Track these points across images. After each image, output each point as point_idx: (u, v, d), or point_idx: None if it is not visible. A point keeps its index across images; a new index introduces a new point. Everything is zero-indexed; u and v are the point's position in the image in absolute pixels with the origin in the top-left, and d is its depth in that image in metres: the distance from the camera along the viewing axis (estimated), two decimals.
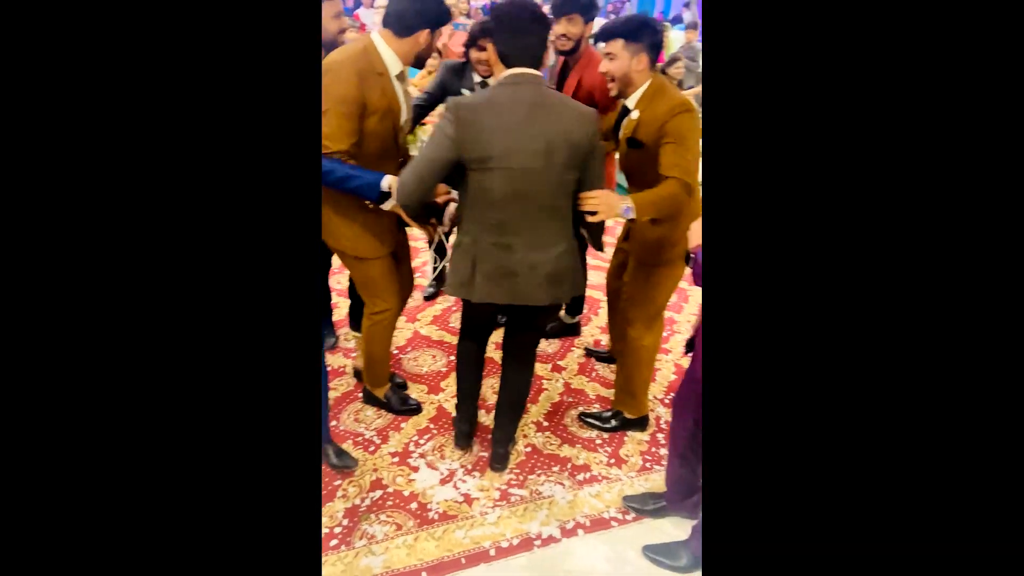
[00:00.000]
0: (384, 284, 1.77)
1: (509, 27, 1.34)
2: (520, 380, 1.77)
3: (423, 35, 1.58)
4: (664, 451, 1.93)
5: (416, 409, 2.04)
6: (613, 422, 1.99)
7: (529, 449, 1.92)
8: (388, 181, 1.53)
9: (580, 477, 1.82)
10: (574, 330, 2.57)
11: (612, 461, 1.89)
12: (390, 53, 1.57)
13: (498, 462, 1.80)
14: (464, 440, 1.87)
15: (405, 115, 1.68)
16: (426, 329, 2.56)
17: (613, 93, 1.64)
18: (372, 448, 1.89)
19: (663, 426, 2.05)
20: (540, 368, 2.33)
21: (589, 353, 2.44)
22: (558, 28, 1.94)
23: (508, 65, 1.37)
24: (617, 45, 1.55)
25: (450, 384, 2.21)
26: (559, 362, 2.39)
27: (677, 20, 8.25)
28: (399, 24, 1.55)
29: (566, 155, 1.34)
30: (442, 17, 1.62)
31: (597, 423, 2.00)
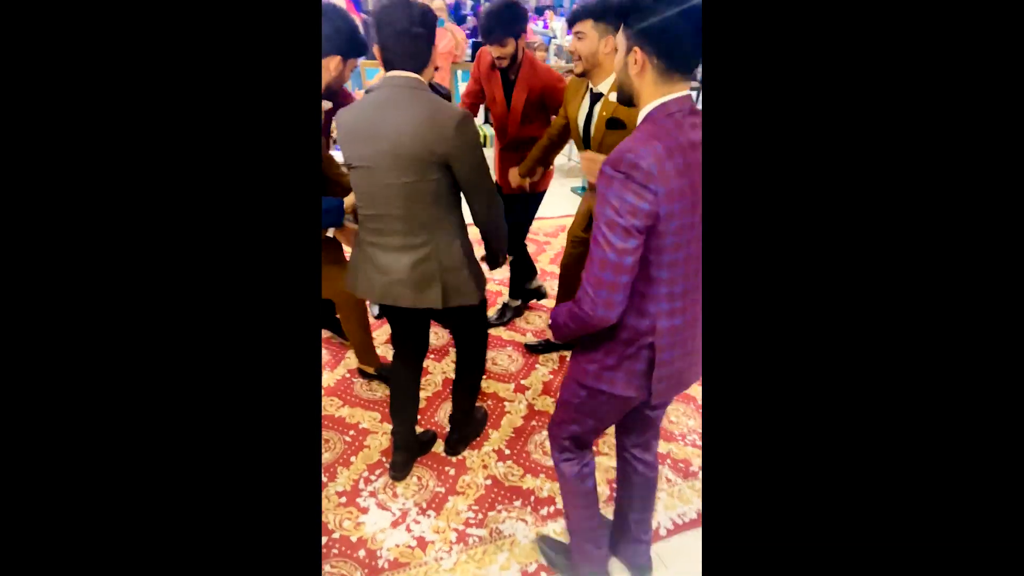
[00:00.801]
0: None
1: (390, 29, 1.25)
2: (463, 370, 1.77)
3: (332, 62, 1.52)
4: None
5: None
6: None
7: (489, 482, 1.79)
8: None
9: (544, 511, 1.70)
10: (536, 294, 2.72)
11: None
12: None
13: (447, 446, 1.89)
14: (397, 470, 1.77)
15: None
16: (381, 349, 2.40)
17: (578, 71, 1.68)
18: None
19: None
20: (502, 389, 2.20)
21: (531, 349, 2.44)
22: (493, 52, 2.01)
23: (388, 68, 1.30)
24: (587, 25, 1.58)
25: None
26: (522, 381, 2.26)
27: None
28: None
29: (414, 160, 1.27)
30: (359, 47, 1.56)
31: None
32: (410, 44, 1.25)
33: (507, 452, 1.91)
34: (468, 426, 1.91)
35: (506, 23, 1.94)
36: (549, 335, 2.46)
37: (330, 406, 2.08)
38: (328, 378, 2.23)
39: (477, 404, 1.99)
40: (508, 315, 2.64)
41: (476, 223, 1.45)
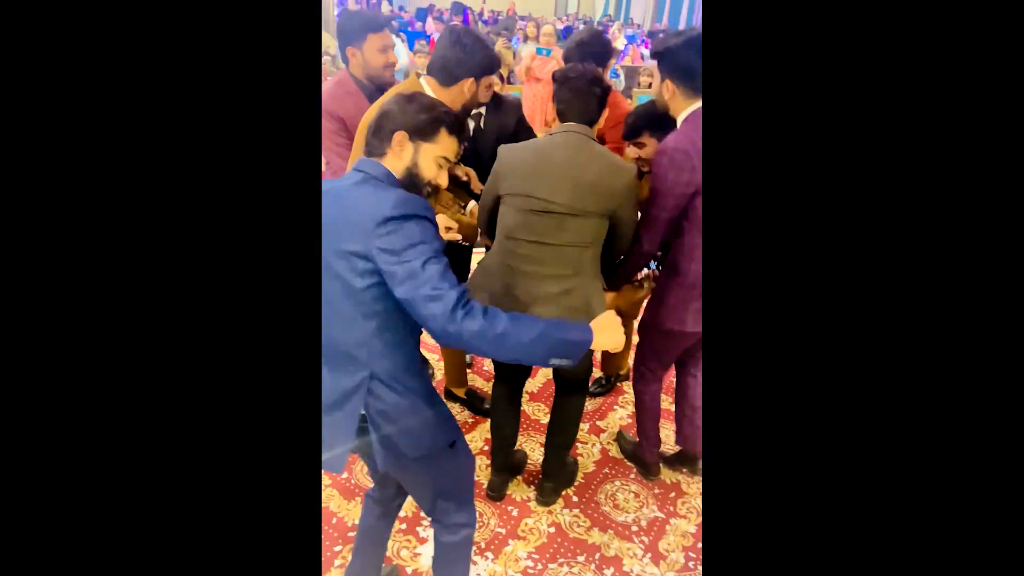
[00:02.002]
0: None
1: (569, 86, 1.43)
2: (562, 421, 1.71)
3: (467, 84, 1.51)
4: None
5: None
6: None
7: (553, 530, 1.69)
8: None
9: (608, 572, 1.57)
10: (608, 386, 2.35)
11: (648, 556, 1.62)
12: None
13: (541, 495, 1.78)
14: (495, 490, 1.79)
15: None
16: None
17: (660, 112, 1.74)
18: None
19: None
20: None
21: (592, 393, 2.31)
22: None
23: (562, 120, 1.46)
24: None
25: (475, 437, 2.02)
26: (599, 422, 2.14)
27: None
28: (443, 73, 1.50)
29: (586, 200, 1.39)
30: (490, 65, 1.53)
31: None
32: (587, 102, 1.43)
33: (575, 499, 1.80)
34: (561, 476, 1.81)
35: (599, 57, 1.91)
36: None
37: None
38: None
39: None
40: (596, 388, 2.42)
41: (616, 251, 1.54)
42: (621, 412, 2.20)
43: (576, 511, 1.76)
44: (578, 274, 1.45)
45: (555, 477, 1.78)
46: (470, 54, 1.48)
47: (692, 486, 1.87)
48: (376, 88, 1.74)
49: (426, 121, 1.04)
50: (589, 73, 1.44)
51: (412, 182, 1.06)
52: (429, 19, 8.04)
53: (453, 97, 1.51)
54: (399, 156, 1.05)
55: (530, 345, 0.95)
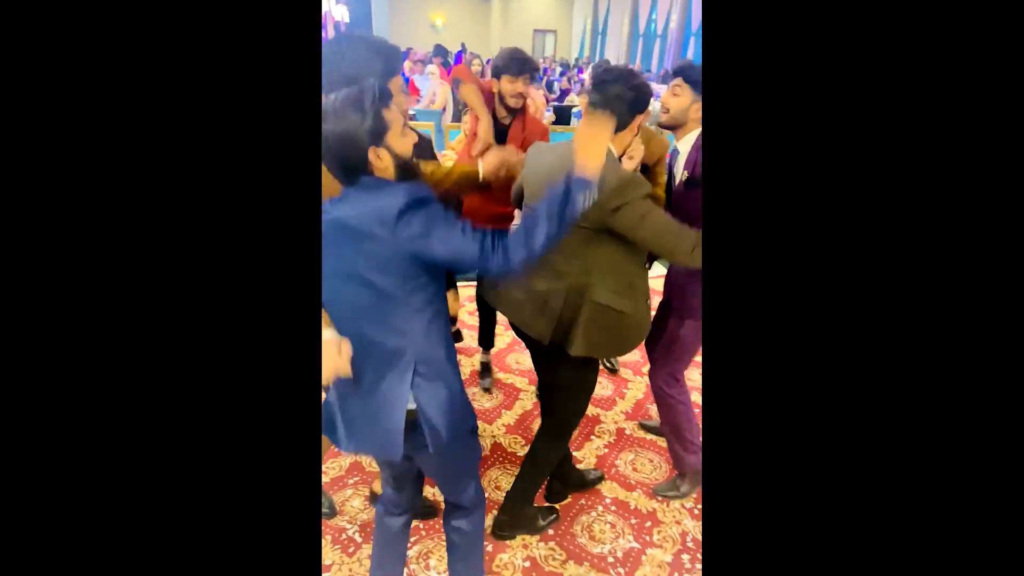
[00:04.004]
0: None
1: (600, 91, 1.38)
2: (528, 457, 1.70)
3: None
4: None
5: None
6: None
7: (528, 564, 1.66)
8: None
9: None
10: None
11: None
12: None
13: (497, 527, 1.75)
14: (552, 496, 1.87)
15: None
16: None
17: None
18: (352, 548, 1.68)
19: (689, 544, 1.75)
20: None
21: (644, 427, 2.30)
22: (514, 87, 2.02)
23: None
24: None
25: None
26: (575, 452, 2.13)
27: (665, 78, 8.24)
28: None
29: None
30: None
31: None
32: (615, 104, 1.36)
33: (550, 532, 1.78)
34: (519, 517, 1.75)
35: (528, 65, 1.99)
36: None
37: None
38: None
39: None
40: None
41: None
42: (597, 442, 2.19)
43: (552, 544, 1.73)
44: (560, 277, 1.39)
45: (511, 514, 1.74)
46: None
47: (667, 514, 1.86)
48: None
49: (376, 119, 1.03)
50: (625, 73, 1.39)
51: (406, 168, 1.09)
52: (407, 61, 8.27)
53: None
54: (383, 167, 1.06)
55: (550, 226, 1.03)
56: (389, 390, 1.10)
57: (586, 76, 10.68)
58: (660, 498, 1.92)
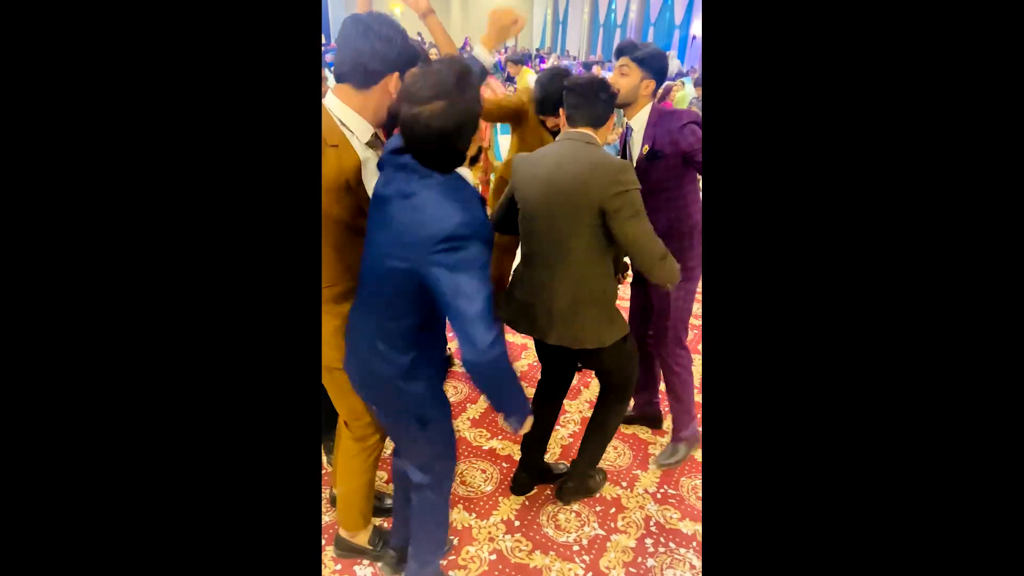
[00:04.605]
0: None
1: (578, 91, 1.48)
2: (593, 426, 1.79)
3: (392, 81, 1.22)
4: (651, 561, 1.66)
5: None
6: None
7: (494, 557, 1.67)
8: None
9: None
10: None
11: (590, 575, 1.62)
12: (351, 114, 1.22)
13: (565, 494, 1.86)
14: (518, 488, 1.90)
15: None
16: None
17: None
18: None
19: (652, 528, 1.78)
20: (517, 453, 2.09)
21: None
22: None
23: (571, 125, 1.51)
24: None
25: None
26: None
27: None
28: (356, 74, 1.19)
29: (568, 203, 1.43)
30: (413, 57, 1.25)
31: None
32: (594, 106, 1.46)
33: (516, 523, 1.78)
34: (588, 472, 1.87)
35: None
36: None
37: None
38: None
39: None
40: None
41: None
42: (563, 432, 2.21)
43: (518, 535, 1.74)
44: (566, 280, 1.49)
45: (578, 480, 1.85)
46: (388, 44, 1.18)
47: (631, 500, 1.89)
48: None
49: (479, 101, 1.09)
50: (596, 80, 1.49)
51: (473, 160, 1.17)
52: None
53: (377, 102, 1.23)
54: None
55: (501, 393, 1.12)
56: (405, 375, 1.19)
57: (547, 66, 10.69)
58: (660, 467, 2.05)
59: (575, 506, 1.86)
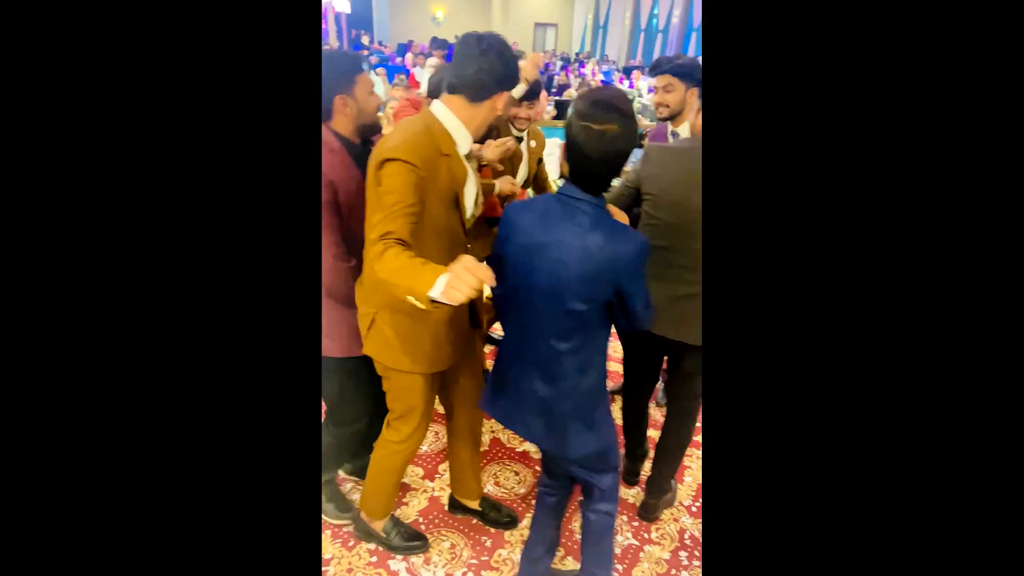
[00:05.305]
0: (423, 407, 1.48)
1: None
2: (671, 427, 1.74)
3: (501, 99, 1.28)
4: (685, 574, 1.64)
5: (422, 545, 1.69)
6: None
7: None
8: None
9: None
10: None
11: None
12: (459, 126, 1.27)
13: (644, 511, 1.84)
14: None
15: (472, 200, 1.38)
16: None
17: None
18: (352, 543, 1.69)
19: (687, 541, 1.75)
20: None
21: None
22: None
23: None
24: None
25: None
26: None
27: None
28: (473, 89, 1.24)
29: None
30: (516, 76, 1.33)
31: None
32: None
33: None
34: (665, 486, 1.83)
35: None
36: None
37: None
38: None
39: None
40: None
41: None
42: None
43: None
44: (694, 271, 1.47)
45: (657, 496, 1.83)
46: (504, 63, 1.24)
47: (665, 512, 1.86)
48: (361, 142, 1.47)
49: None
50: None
51: None
52: (409, 54, 8.22)
53: (484, 116, 1.29)
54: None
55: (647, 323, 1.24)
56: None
57: (587, 71, 10.65)
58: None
59: None
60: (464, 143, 1.29)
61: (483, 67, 1.22)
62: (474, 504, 1.79)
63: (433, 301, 0.98)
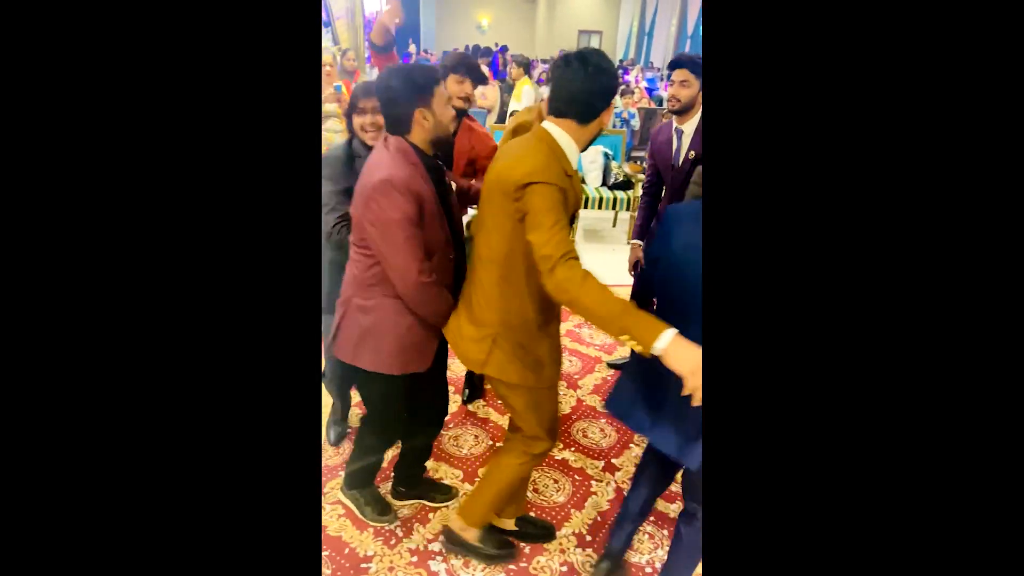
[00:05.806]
0: (555, 415, 1.52)
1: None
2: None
3: (609, 113, 1.28)
4: None
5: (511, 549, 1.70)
6: None
7: (565, 568, 1.67)
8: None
9: None
10: None
11: None
12: (573, 148, 1.27)
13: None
14: None
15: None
16: (590, 399, 2.40)
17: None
18: (393, 541, 1.72)
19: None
20: (590, 465, 2.08)
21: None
22: (461, 88, 1.91)
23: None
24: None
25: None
26: (613, 460, 2.12)
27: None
28: (583, 109, 1.24)
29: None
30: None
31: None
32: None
33: (588, 538, 1.77)
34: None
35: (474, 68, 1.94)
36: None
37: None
38: None
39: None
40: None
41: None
42: (636, 450, 2.18)
43: (589, 550, 1.73)
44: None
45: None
46: (612, 78, 1.24)
47: None
48: (434, 154, 1.45)
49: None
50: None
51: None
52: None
53: (591, 136, 1.30)
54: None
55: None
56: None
57: (631, 78, 10.56)
58: None
59: (648, 528, 1.82)
60: (575, 162, 1.30)
61: (594, 90, 1.21)
62: (509, 524, 1.75)
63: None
